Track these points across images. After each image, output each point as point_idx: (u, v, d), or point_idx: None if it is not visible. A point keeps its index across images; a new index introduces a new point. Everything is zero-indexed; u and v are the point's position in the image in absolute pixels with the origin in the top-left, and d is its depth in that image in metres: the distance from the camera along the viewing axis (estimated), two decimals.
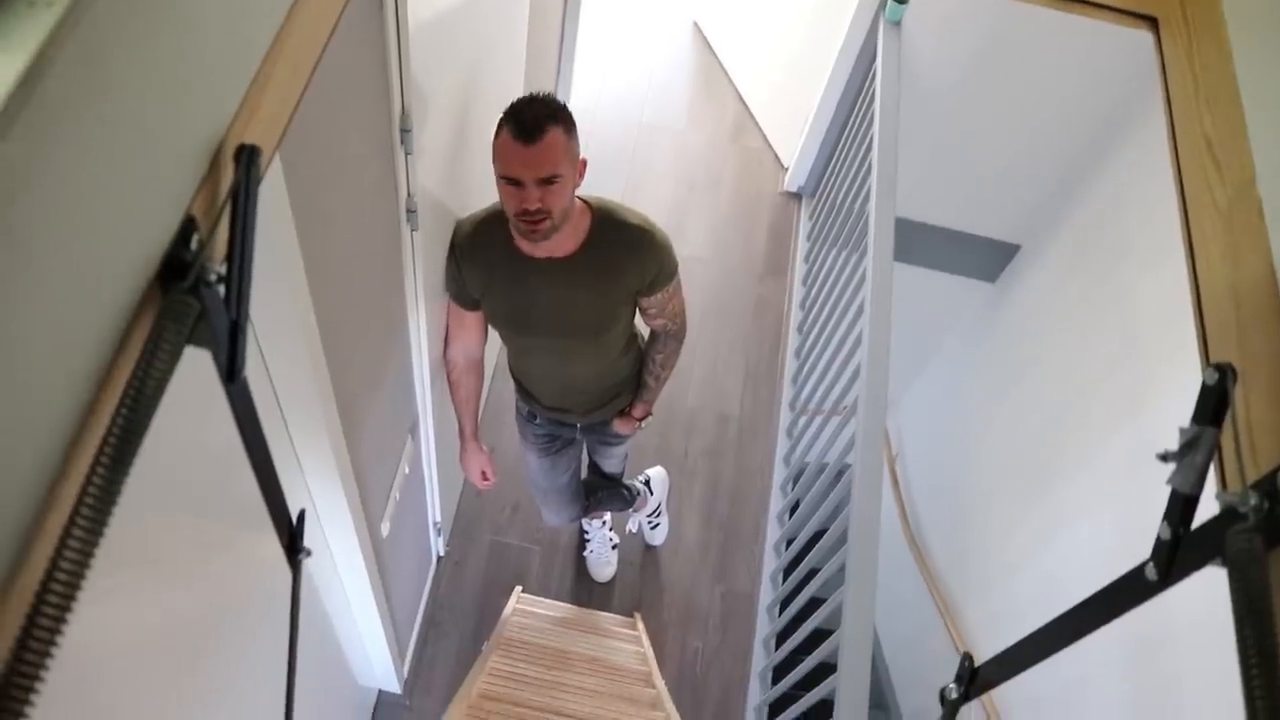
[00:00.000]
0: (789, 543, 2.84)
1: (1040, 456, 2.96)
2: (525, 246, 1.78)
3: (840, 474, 2.36)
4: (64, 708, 0.85)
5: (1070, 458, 2.76)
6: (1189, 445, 0.72)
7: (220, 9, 0.66)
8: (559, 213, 1.66)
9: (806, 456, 2.90)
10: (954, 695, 1.12)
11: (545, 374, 2.12)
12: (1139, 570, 0.80)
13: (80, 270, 0.55)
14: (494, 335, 2.08)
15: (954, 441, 3.66)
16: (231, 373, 0.70)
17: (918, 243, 3.40)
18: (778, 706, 2.46)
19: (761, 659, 2.82)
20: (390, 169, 1.50)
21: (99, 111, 0.53)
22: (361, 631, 2.26)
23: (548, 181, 1.60)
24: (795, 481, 3.01)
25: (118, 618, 0.98)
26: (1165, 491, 0.75)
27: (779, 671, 2.61)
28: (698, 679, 2.92)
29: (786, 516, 2.98)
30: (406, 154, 1.51)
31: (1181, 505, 0.74)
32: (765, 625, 2.87)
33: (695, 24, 4.50)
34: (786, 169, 3.96)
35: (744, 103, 4.24)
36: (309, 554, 1.00)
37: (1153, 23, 1.21)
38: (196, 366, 0.65)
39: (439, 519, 2.75)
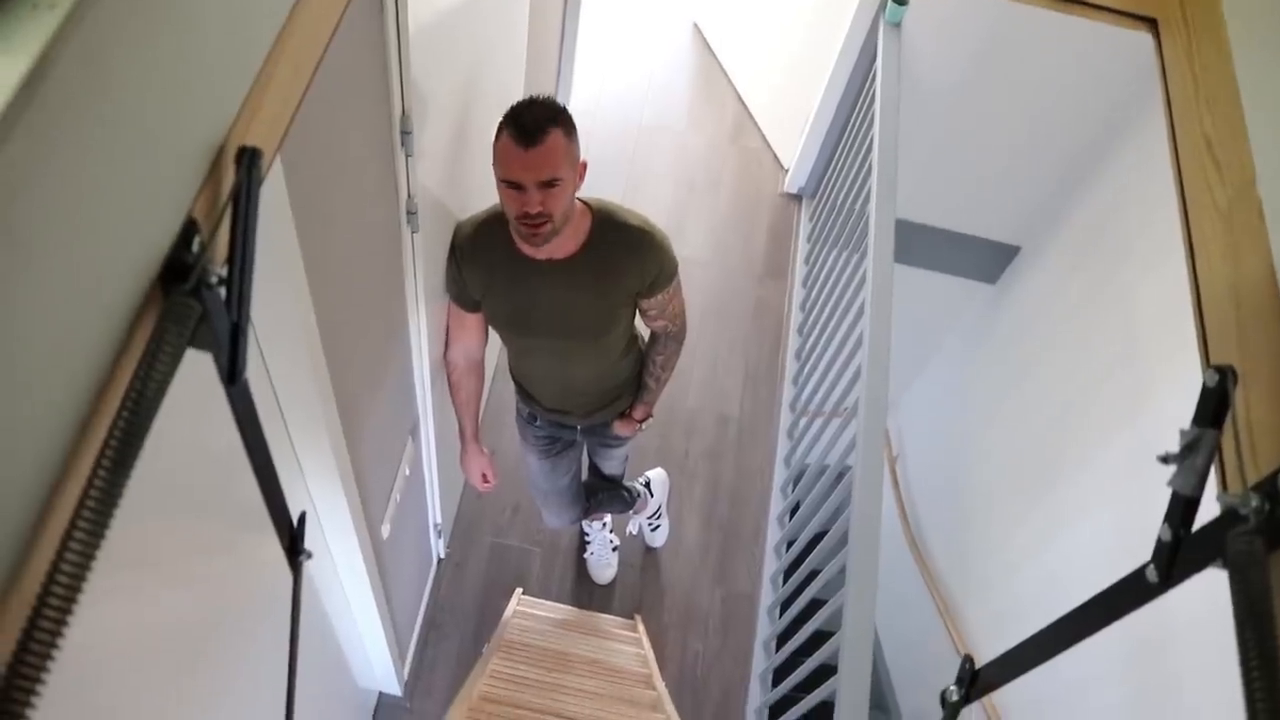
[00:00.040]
0: (789, 544, 2.84)
1: (1041, 457, 2.96)
2: (526, 248, 1.78)
3: (841, 476, 2.36)
4: (65, 709, 0.85)
5: (1071, 458, 2.76)
6: (1189, 447, 0.72)
7: (221, 10, 0.66)
8: (560, 216, 1.66)
9: (807, 458, 2.90)
10: (955, 697, 1.12)
11: (546, 376, 2.12)
12: (1140, 572, 0.80)
13: (82, 272, 0.55)
14: (494, 337, 2.08)
15: (955, 442, 3.66)
16: (233, 375, 0.70)
17: (918, 244, 3.40)
18: (778, 708, 2.45)
19: (762, 661, 2.82)
20: (390, 171, 1.50)
21: (101, 113, 0.53)
22: (362, 633, 2.26)
23: (548, 185, 1.60)
24: (796, 483, 3.01)
25: (119, 619, 0.98)
26: (1166, 491, 0.75)
27: (779, 673, 2.61)
28: (698, 681, 2.92)
29: (787, 518, 2.98)
30: (407, 156, 1.51)
31: (1182, 507, 0.74)
32: (766, 627, 2.87)
33: (695, 25, 4.51)
34: (786, 170, 3.97)
35: (744, 104, 4.24)
36: (310, 556, 1.00)
37: (1152, 24, 1.21)
38: (197, 368, 0.65)
39: (439, 521, 2.75)
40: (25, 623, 0.46)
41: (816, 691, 2.08)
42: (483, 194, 1.92)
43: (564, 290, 1.84)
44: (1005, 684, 1.05)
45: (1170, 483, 0.74)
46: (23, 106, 0.45)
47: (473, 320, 1.99)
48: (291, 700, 1.05)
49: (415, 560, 2.61)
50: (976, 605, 3.16)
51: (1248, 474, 0.76)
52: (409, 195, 1.58)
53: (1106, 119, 2.90)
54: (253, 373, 0.75)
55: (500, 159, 1.61)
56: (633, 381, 2.20)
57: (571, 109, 1.67)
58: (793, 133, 3.82)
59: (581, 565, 3.08)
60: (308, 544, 0.99)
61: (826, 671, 2.02)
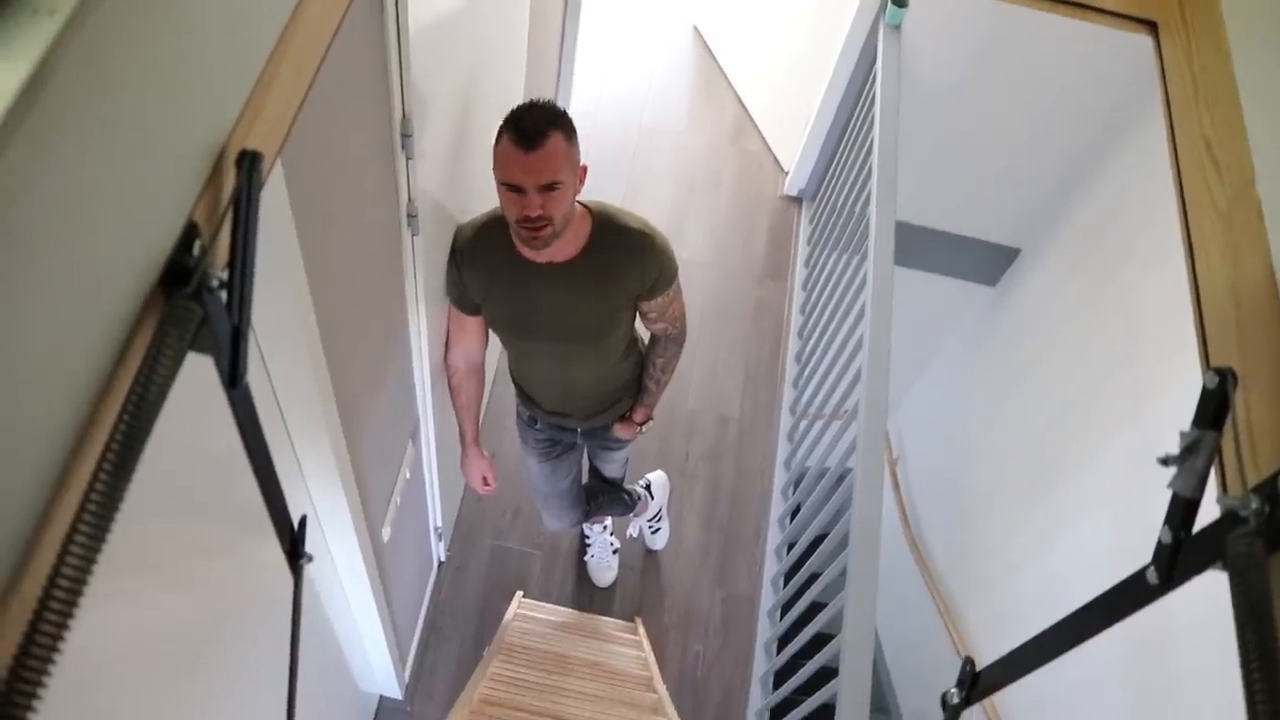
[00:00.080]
0: (790, 547, 2.84)
1: (1042, 458, 2.96)
2: (526, 251, 1.78)
3: (841, 478, 2.35)
4: (65, 712, 0.85)
5: (1072, 459, 2.76)
6: (1189, 449, 0.72)
7: (222, 12, 0.67)
8: (560, 219, 1.66)
9: (807, 461, 2.90)
10: (956, 700, 1.12)
11: (546, 379, 2.12)
12: (1140, 574, 0.80)
13: (83, 277, 0.55)
14: (494, 340, 2.08)
15: (955, 444, 3.66)
16: (233, 378, 0.71)
17: (918, 246, 3.40)
18: (779, 711, 2.45)
19: (763, 663, 2.81)
20: (391, 173, 1.50)
21: (102, 117, 0.53)
22: (362, 636, 2.26)
23: (548, 188, 1.60)
24: (796, 486, 3.01)
25: (119, 622, 0.98)
26: (1167, 492, 0.75)
27: (780, 676, 2.61)
28: (699, 683, 2.92)
29: (788, 521, 2.98)
30: (407, 158, 1.52)
31: (1182, 509, 0.74)
32: (766, 629, 2.86)
33: (695, 27, 4.51)
34: (786, 172, 3.97)
35: (744, 106, 4.25)
36: (310, 559, 1.00)
37: (1152, 26, 1.21)
38: (198, 371, 0.65)
39: (440, 524, 2.75)
40: (27, 626, 0.46)
41: (817, 694, 2.08)
42: (483, 196, 1.92)
43: (564, 293, 1.84)
44: (1006, 685, 1.05)
45: (1170, 485, 0.74)
46: (24, 112, 0.45)
47: (473, 323, 1.99)
48: (292, 703, 1.05)
49: (416, 563, 2.61)
50: (977, 606, 3.16)
51: (1248, 476, 0.76)
52: (409, 198, 1.58)
53: (1106, 120, 2.90)
54: (253, 375, 0.76)
55: (500, 162, 1.61)
56: (633, 384, 2.20)
57: (572, 110, 1.68)
58: (793, 135, 3.82)
59: (582, 568, 3.08)
60: (308, 547, 0.99)
61: (827, 674, 2.02)
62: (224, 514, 1.26)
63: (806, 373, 3.15)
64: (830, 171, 3.52)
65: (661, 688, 2.64)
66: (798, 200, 3.94)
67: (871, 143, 2.68)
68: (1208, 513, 0.74)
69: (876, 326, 2.30)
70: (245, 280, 0.68)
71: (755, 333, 3.63)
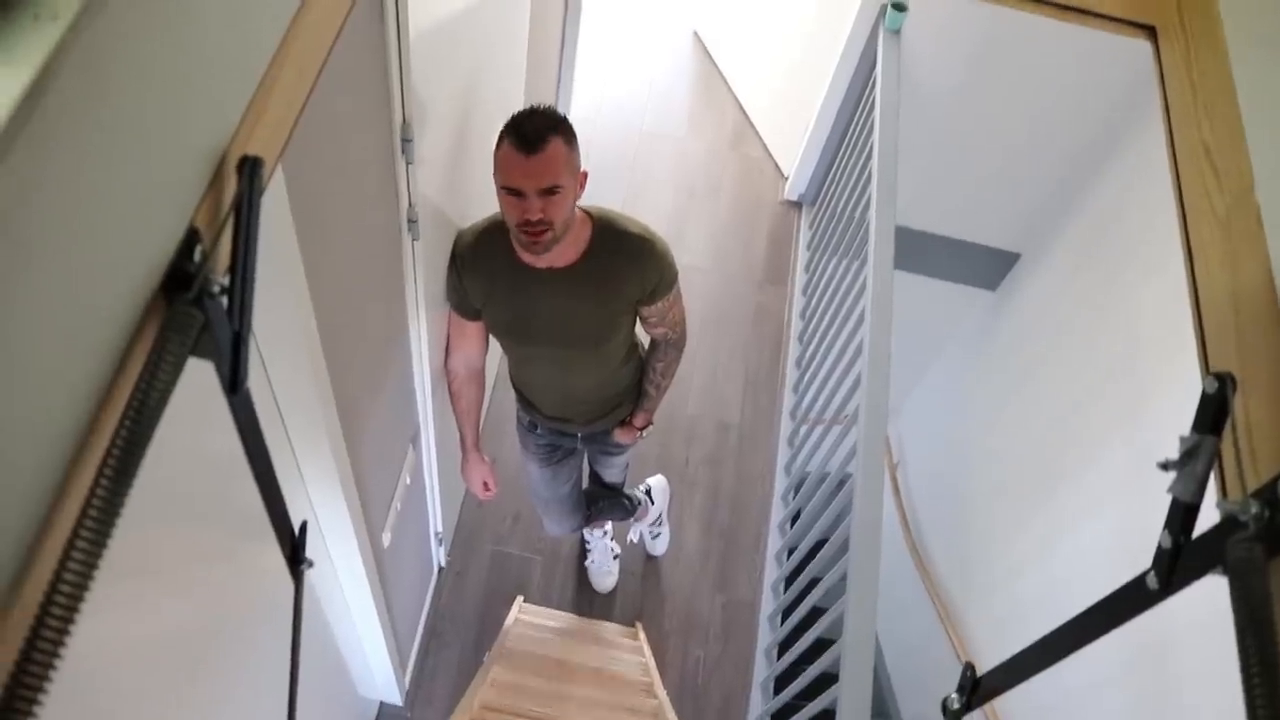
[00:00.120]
0: (790, 552, 2.84)
1: (1042, 463, 2.96)
2: (526, 256, 1.78)
3: (841, 483, 2.35)
4: (66, 717, 0.84)
5: (1072, 463, 2.76)
6: (1189, 454, 0.72)
7: (224, 18, 0.67)
8: (560, 224, 1.66)
9: (808, 466, 2.90)
10: (956, 705, 1.12)
11: (546, 384, 2.12)
12: (1140, 579, 0.80)
13: (84, 282, 0.55)
14: (495, 345, 2.08)
15: (955, 449, 3.65)
16: (234, 384, 0.71)
17: (918, 251, 3.40)
18: (780, 716, 2.45)
19: (763, 668, 2.81)
20: (391, 178, 1.50)
21: (103, 123, 0.53)
22: (363, 642, 2.26)
23: (549, 192, 1.60)
24: (796, 491, 3.01)
25: (120, 628, 0.98)
26: (1167, 497, 0.75)
27: (781, 681, 2.60)
28: (699, 689, 2.91)
29: (788, 526, 2.98)
30: (407, 163, 1.52)
31: (1182, 514, 0.74)
32: (767, 635, 2.86)
33: (695, 33, 4.52)
34: (786, 177, 3.97)
35: (744, 111, 4.25)
36: (311, 564, 1.00)
37: (1151, 32, 1.22)
38: (198, 376, 0.65)
39: (440, 529, 2.74)
40: (28, 632, 0.46)
41: (818, 699, 2.08)
42: (483, 202, 1.93)
43: (564, 299, 1.84)
44: (1007, 691, 1.05)
45: (1170, 489, 0.74)
46: (26, 117, 0.45)
47: (473, 329, 1.99)
48: (293, 709, 1.05)
49: (416, 569, 2.61)
50: (978, 611, 3.16)
51: (1247, 480, 0.76)
52: (409, 203, 1.59)
53: (1106, 124, 2.90)
54: (254, 380, 0.76)
55: (501, 167, 1.61)
56: (633, 389, 2.20)
57: (572, 116, 1.68)
58: (793, 140, 3.83)
59: (582, 573, 3.07)
60: (309, 552, 0.99)
61: (828, 679, 2.02)
62: (225, 519, 1.26)
63: (807, 378, 3.15)
64: (830, 176, 3.52)
65: (662, 693, 2.63)
66: (798, 205, 3.95)
67: (871, 148, 2.69)
68: (1208, 517, 0.74)
69: (877, 331, 2.30)
70: (246, 285, 0.68)
71: (755, 338, 3.63)
